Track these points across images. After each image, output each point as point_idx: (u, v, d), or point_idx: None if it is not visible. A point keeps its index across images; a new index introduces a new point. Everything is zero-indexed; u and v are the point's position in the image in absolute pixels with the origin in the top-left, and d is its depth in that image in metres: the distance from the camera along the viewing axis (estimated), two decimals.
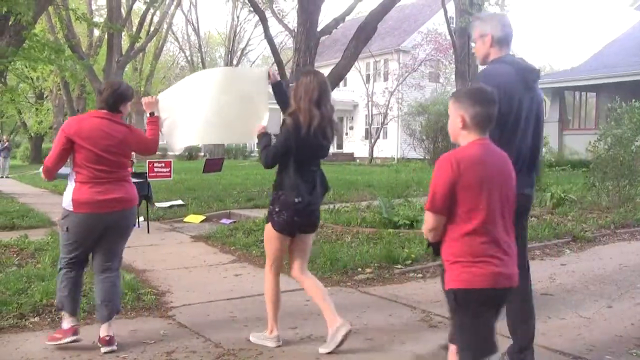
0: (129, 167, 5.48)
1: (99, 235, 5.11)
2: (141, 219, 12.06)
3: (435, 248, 3.51)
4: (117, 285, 5.33)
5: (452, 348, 3.58)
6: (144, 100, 5.58)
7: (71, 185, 5.04)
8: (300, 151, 4.88)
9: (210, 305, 6.49)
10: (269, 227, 5.10)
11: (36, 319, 5.92)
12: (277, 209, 4.99)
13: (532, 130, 4.41)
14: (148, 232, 11.33)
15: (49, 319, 5.92)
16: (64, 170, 5.24)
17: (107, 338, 5.03)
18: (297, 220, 4.99)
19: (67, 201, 5.04)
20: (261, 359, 4.92)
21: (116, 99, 5.13)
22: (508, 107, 4.12)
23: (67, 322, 5.14)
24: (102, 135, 4.99)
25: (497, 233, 3.29)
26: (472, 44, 5.35)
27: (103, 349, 5.00)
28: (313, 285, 5.25)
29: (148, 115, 5.52)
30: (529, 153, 4.39)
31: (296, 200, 4.89)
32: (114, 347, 5.02)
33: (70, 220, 5.05)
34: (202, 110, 5.53)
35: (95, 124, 5.04)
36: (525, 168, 4.35)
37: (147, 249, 9.67)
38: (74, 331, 5.09)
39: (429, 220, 3.36)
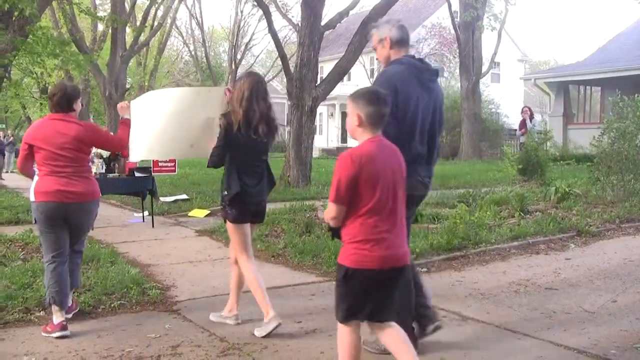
0: (88, 162, 5.79)
1: (61, 223, 5.47)
2: (146, 213, 12.08)
3: (334, 232, 3.89)
4: (78, 265, 5.91)
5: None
6: (119, 105, 6.10)
7: (35, 180, 5.54)
8: (236, 148, 5.25)
9: (215, 299, 6.50)
10: (227, 222, 5.53)
11: (41, 313, 5.93)
12: (226, 204, 5.41)
13: (431, 125, 4.77)
14: (153, 226, 11.34)
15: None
16: None
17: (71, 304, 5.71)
18: (245, 209, 5.41)
19: (30, 193, 5.53)
20: (266, 353, 4.93)
21: (68, 99, 5.54)
22: (405, 105, 4.51)
23: (57, 317, 5.36)
24: (56, 135, 5.41)
25: (388, 218, 3.71)
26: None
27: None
28: (238, 276, 5.66)
29: (121, 117, 5.98)
30: (427, 147, 4.78)
31: (234, 192, 5.27)
32: (69, 316, 5.60)
33: (34, 210, 5.50)
34: (165, 126, 5.87)
35: (50, 125, 5.51)
36: (425, 160, 4.76)
37: (151, 244, 9.68)
38: (63, 327, 5.32)
39: (331, 210, 3.76)
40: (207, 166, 5.50)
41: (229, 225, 5.50)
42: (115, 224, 11.91)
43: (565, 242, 9.29)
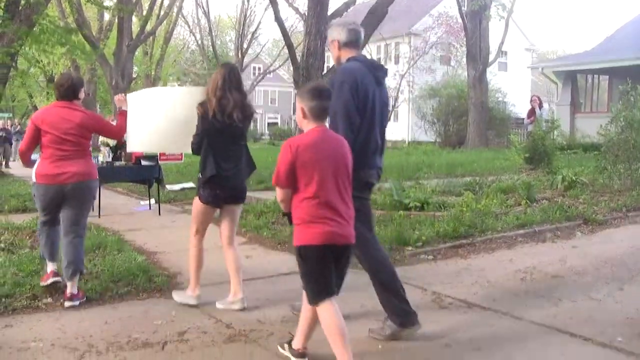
0: (88, 146, 6.23)
1: (59, 202, 5.99)
2: (152, 201, 12.11)
3: (289, 217, 4.24)
4: (79, 249, 6.06)
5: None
6: (116, 97, 6.69)
7: (37, 162, 6.09)
8: (212, 134, 5.56)
9: (221, 286, 6.49)
10: (196, 200, 5.87)
11: (49, 299, 5.96)
12: (200, 185, 5.77)
13: (381, 119, 5.06)
14: (159, 214, 11.37)
15: (61, 300, 5.96)
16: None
17: (69, 295, 5.85)
18: (219, 193, 5.71)
19: (33, 174, 6.23)
20: (272, 339, 4.94)
21: (74, 89, 6.07)
22: (365, 98, 4.80)
23: (49, 267, 6.23)
24: (62, 121, 5.91)
25: (332, 200, 4.06)
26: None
27: (66, 304, 5.79)
28: (233, 259, 5.92)
29: (119, 108, 6.60)
30: (381, 138, 5.07)
31: (209, 175, 5.59)
32: (76, 303, 5.82)
33: (35, 189, 6.20)
34: (159, 122, 6.39)
35: (57, 112, 5.99)
36: (379, 149, 5.04)
37: (158, 231, 9.71)
38: (55, 274, 6.14)
39: (277, 193, 4.21)
40: (193, 153, 5.80)
41: (198, 204, 5.84)
42: (122, 211, 11.94)
43: (571, 230, 9.27)
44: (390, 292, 4.92)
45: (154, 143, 6.74)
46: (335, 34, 5.10)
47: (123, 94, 6.68)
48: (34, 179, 6.19)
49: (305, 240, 4.09)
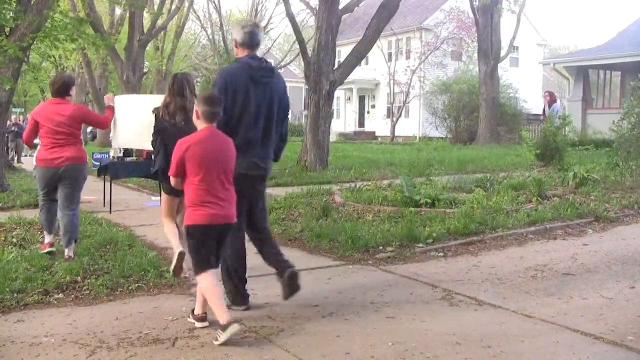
0: (79, 135, 7.51)
1: (55, 182, 7.32)
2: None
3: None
4: (74, 221, 7.36)
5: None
6: (105, 96, 8.25)
7: (37, 148, 7.46)
8: (163, 133, 6.52)
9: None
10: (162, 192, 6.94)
11: (60, 295, 6.01)
12: (161, 179, 6.75)
13: (266, 114, 5.56)
14: None
15: (72, 296, 6.01)
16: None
17: (67, 257, 7.12)
18: (167, 185, 6.28)
19: (34, 159, 7.70)
20: (282, 335, 4.95)
21: (67, 87, 7.45)
22: (233, 98, 5.39)
23: (47, 238, 7.48)
24: (55, 115, 7.24)
25: (215, 187, 4.94)
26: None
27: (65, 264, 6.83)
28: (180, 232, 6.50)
29: (107, 104, 8.06)
30: (264, 132, 5.57)
31: (157, 168, 6.58)
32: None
33: (36, 171, 7.59)
34: (131, 122, 8.73)
35: (51, 107, 7.35)
36: (259, 144, 5.55)
37: None
38: (51, 245, 7.38)
39: (171, 180, 5.13)
40: (152, 148, 6.76)
41: (163, 194, 6.91)
42: (133, 207, 11.99)
43: (583, 227, 9.23)
44: (232, 272, 5.63)
45: (127, 139, 8.66)
46: (234, 33, 5.74)
47: (112, 93, 8.34)
48: (34, 162, 7.58)
49: (192, 221, 4.96)
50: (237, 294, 5.62)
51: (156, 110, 6.61)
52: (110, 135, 8.91)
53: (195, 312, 5.21)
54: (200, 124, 5.03)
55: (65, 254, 7.13)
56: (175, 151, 4.95)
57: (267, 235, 5.94)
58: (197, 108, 5.01)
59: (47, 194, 7.45)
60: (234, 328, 4.71)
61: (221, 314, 4.80)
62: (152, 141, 6.66)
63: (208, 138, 4.98)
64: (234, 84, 5.41)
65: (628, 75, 26.49)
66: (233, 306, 5.49)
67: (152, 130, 6.67)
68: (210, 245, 5.01)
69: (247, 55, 5.58)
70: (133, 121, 8.73)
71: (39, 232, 8.62)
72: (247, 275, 5.76)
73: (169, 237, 6.72)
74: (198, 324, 5.15)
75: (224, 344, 4.68)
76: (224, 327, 4.71)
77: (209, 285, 4.95)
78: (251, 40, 5.59)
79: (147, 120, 6.97)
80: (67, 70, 43.91)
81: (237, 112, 5.41)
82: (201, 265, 4.99)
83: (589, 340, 4.85)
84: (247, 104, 5.44)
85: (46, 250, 7.27)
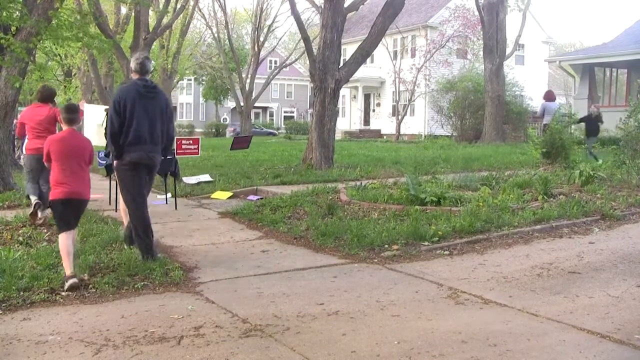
0: (54, 132, 9.34)
1: (39, 167, 9.01)
2: (169, 195, 12.15)
3: None
4: (45, 193, 8.95)
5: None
6: (80, 102, 10.01)
7: (25, 142, 9.94)
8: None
9: (237, 281, 6.54)
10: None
11: (66, 293, 6.01)
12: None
13: (151, 120, 7.30)
14: (176, 208, 11.41)
15: (79, 294, 6.01)
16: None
17: (40, 220, 9.11)
18: None
19: (23, 148, 10.28)
20: (288, 334, 4.95)
21: (48, 95, 10.03)
22: (124, 109, 7.17)
23: (32, 199, 9.32)
24: (35, 115, 9.69)
25: (71, 172, 6.57)
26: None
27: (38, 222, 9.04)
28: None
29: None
30: (152, 133, 7.29)
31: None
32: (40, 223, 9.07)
33: (25, 158, 9.92)
34: (93, 125, 12.05)
35: (33, 110, 9.88)
36: (148, 141, 7.25)
37: (174, 225, 9.75)
38: (36, 201, 9.21)
39: (45, 164, 6.80)
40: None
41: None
42: None
43: (589, 225, 9.21)
44: (139, 234, 7.25)
45: (91, 137, 9.25)
46: (131, 62, 7.61)
47: (84, 101, 9.88)
48: (24, 152, 9.98)
49: (54, 196, 6.56)
50: (144, 248, 7.18)
51: (107, 111, 8.26)
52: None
53: (66, 273, 6.25)
54: (64, 126, 6.80)
55: (39, 216, 9.15)
56: (45, 146, 6.70)
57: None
58: (60, 115, 6.95)
59: (33, 176, 9.64)
60: (71, 281, 6.11)
61: (66, 268, 6.25)
62: (104, 133, 8.37)
63: (66, 137, 6.70)
64: (125, 98, 7.27)
65: (634, 73, 26.44)
66: (144, 257, 7.09)
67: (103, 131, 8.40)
68: (68, 213, 6.55)
69: (138, 78, 7.47)
70: (93, 123, 12.13)
71: (46, 230, 8.67)
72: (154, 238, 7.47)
73: (122, 212, 8.15)
74: (66, 284, 6.12)
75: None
76: (66, 279, 6.15)
77: (63, 243, 6.40)
78: (141, 69, 7.50)
79: (99, 122, 9.78)
80: (72, 69, 44.11)
81: (128, 117, 7.18)
82: (60, 228, 6.58)
83: (595, 339, 4.85)
84: (135, 112, 7.22)
85: (34, 202, 9.27)
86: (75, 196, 6.57)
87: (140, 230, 7.26)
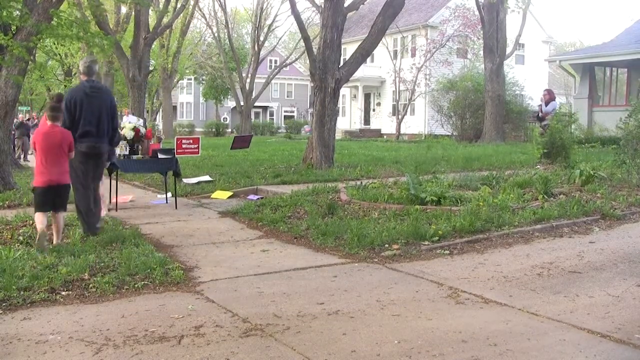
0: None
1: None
2: (169, 194, 12.16)
3: None
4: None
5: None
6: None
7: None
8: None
9: (237, 280, 6.54)
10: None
11: (67, 292, 6.01)
12: None
13: (97, 116, 8.63)
14: (176, 207, 11.41)
15: (79, 293, 6.01)
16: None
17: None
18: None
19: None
20: (288, 334, 4.95)
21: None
22: (74, 107, 8.51)
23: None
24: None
25: (51, 163, 7.82)
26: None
27: None
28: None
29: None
30: (98, 128, 8.63)
31: None
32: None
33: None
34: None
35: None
36: (94, 134, 8.60)
37: (174, 225, 9.75)
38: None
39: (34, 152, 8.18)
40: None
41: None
42: (139, 205, 12.00)
43: (589, 225, 9.21)
44: (80, 213, 8.59)
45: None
46: (80, 64, 8.64)
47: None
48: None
49: (36, 183, 7.87)
50: (85, 225, 8.47)
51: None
52: None
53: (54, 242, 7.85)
54: (49, 121, 7.99)
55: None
56: (34, 138, 8.13)
57: (95, 191, 8.85)
58: (46, 112, 8.17)
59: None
60: (41, 234, 7.48)
61: (39, 231, 7.60)
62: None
63: (48, 132, 7.94)
64: (75, 97, 8.58)
65: (635, 73, 26.43)
66: (85, 232, 8.38)
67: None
68: (46, 198, 7.80)
69: (85, 79, 8.73)
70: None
71: (46, 229, 8.64)
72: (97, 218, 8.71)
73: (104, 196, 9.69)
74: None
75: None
76: (38, 237, 7.53)
77: (38, 219, 7.74)
78: (88, 71, 8.76)
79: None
80: (72, 69, 44.12)
81: (77, 114, 8.50)
82: (38, 209, 7.82)
83: (595, 338, 4.84)
84: (82, 109, 8.53)
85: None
86: (53, 183, 7.82)
87: (82, 209, 8.57)
